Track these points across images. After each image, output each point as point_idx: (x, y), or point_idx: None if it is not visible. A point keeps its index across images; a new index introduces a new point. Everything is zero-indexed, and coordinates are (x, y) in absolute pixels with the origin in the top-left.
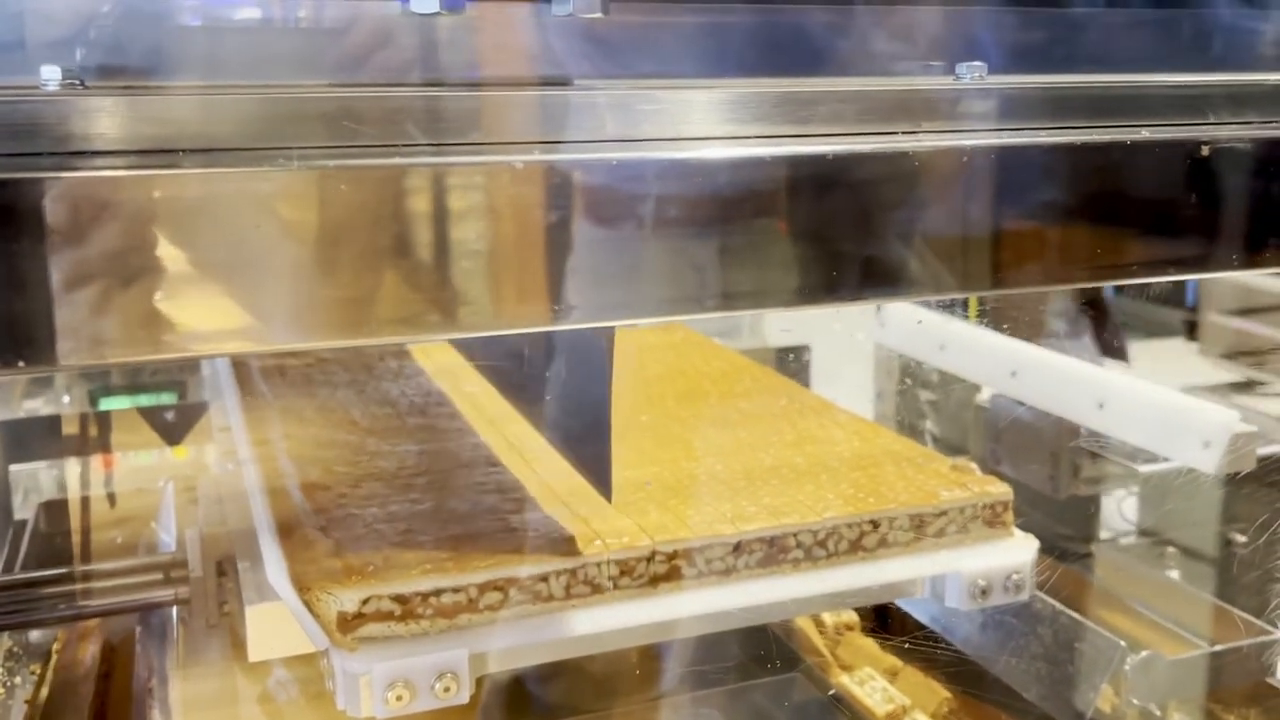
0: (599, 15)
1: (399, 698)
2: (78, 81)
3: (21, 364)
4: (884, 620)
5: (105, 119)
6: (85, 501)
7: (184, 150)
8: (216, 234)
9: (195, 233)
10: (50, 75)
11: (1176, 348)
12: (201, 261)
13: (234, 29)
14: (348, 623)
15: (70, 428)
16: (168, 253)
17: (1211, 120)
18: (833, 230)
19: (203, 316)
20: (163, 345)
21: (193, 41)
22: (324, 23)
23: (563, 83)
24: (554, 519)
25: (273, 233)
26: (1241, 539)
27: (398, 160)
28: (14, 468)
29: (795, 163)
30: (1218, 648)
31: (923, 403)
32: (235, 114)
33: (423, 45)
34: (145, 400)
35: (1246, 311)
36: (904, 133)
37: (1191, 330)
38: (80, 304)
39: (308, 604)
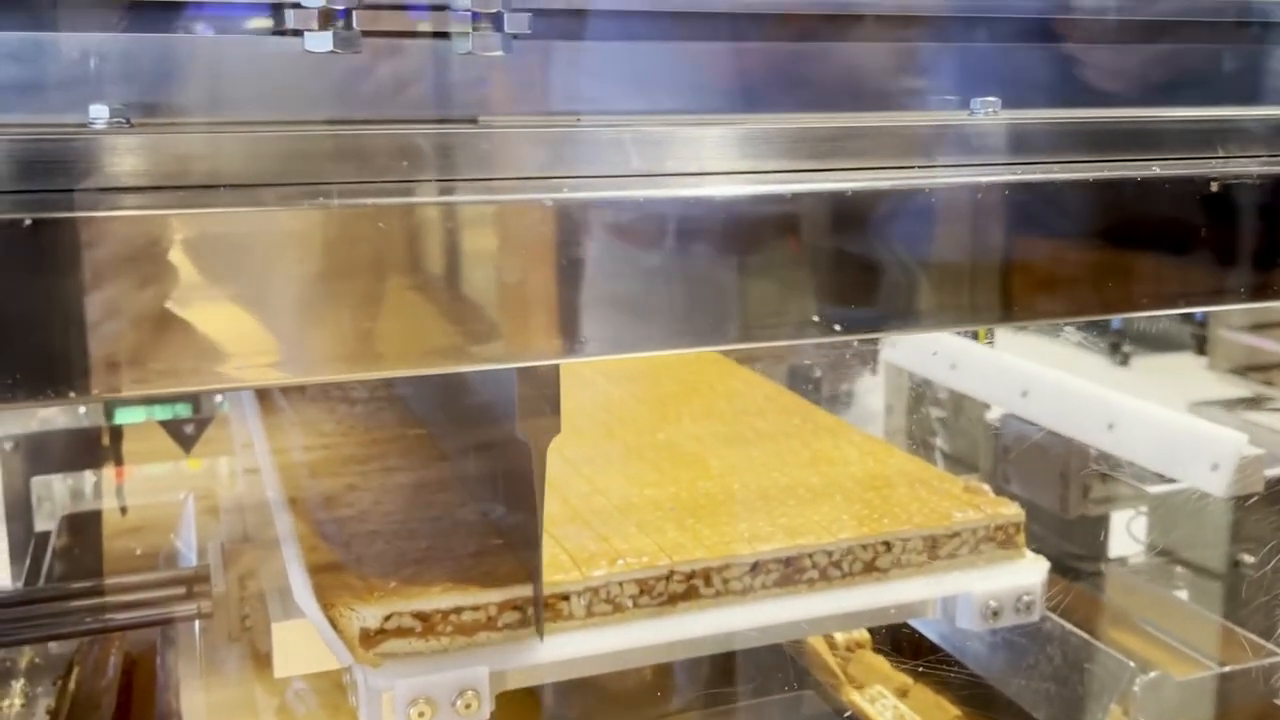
0: (499, 54)
1: (420, 714)
2: (124, 120)
3: (73, 394)
4: (895, 638)
5: (150, 156)
6: (104, 514)
7: (226, 186)
8: (261, 269)
9: (242, 268)
10: (98, 114)
11: (1186, 362)
12: (242, 296)
13: (277, 65)
14: (370, 639)
15: (86, 440)
16: (210, 286)
17: (1221, 154)
18: (846, 265)
19: (244, 350)
20: (203, 377)
21: (237, 79)
22: (366, 59)
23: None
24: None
25: (312, 269)
26: (1250, 560)
27: (426, 199)
28: (39, 479)
29: (811, 199)
30: (1227, 669)
31: (933, 420)
32: (279, 150)
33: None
34: (160, 413)
35: (1257, 327)
36: (919, 167)
37: (1201, 345)
38: (129, 336)
39: (331, 620)
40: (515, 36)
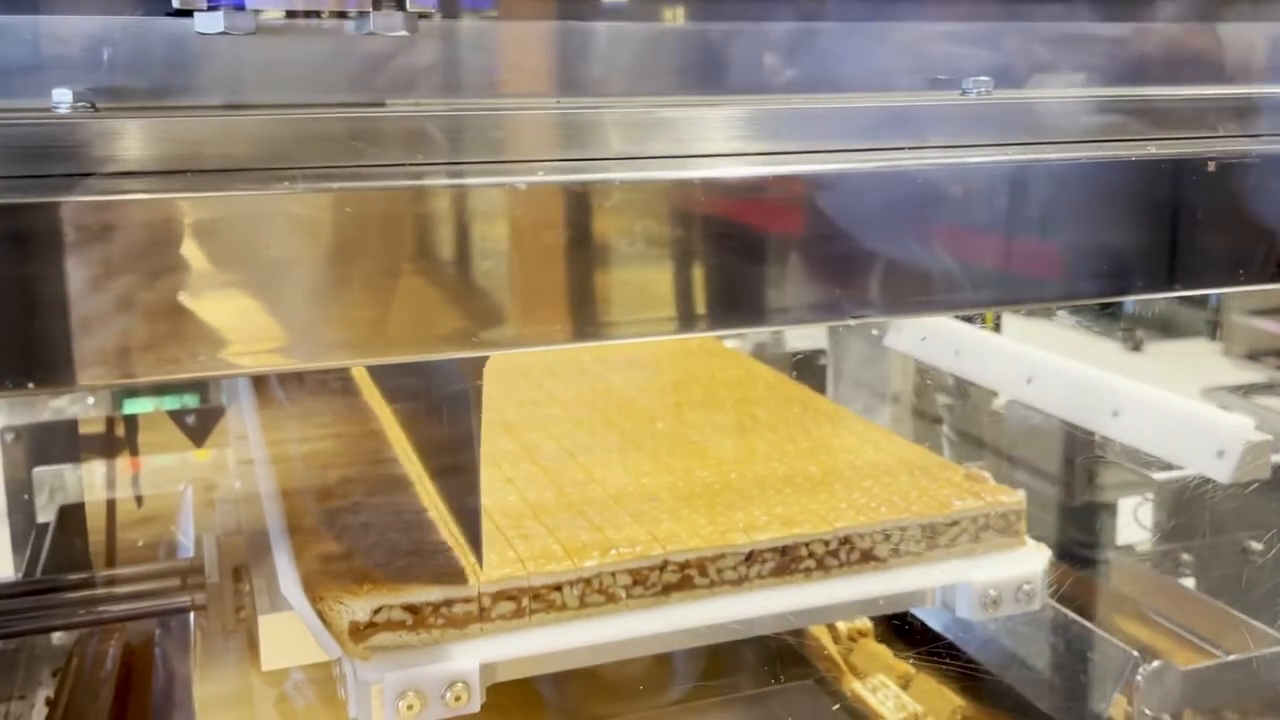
0: (404, 34)
1: (410, 707)
2: (88, 104)
3: (32, 385)
4: (897, 627)
5: (115, 141)
6: (106, 505)
7: (192, 171)
8: (225, 254)
9: (204, 253)
10: (61, 98)
11: (1200, 348)
12: (211, 281)
13: (243, 48)
14: (360, 632)
15: (93, 430)
16: (177, 272)
17: (1219, 134)
18: (839, 247)
19: (210, 335)
20: (171, 364)
21: (202, 62)
22: (332, 40)
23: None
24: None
25: (281, 253)
26: (1257, 547)
27: (408, 182)
28: (41, 469)
29: (801, 180)
30: (1232, 657)
31: (938, 407)
32: (243, 135)
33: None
34: (169, 403)
35: (1270, 311)
36: (910, 148)
37: (1214, 330)
38: (90, 323)
39: (320, 613)
40: (421, 16)
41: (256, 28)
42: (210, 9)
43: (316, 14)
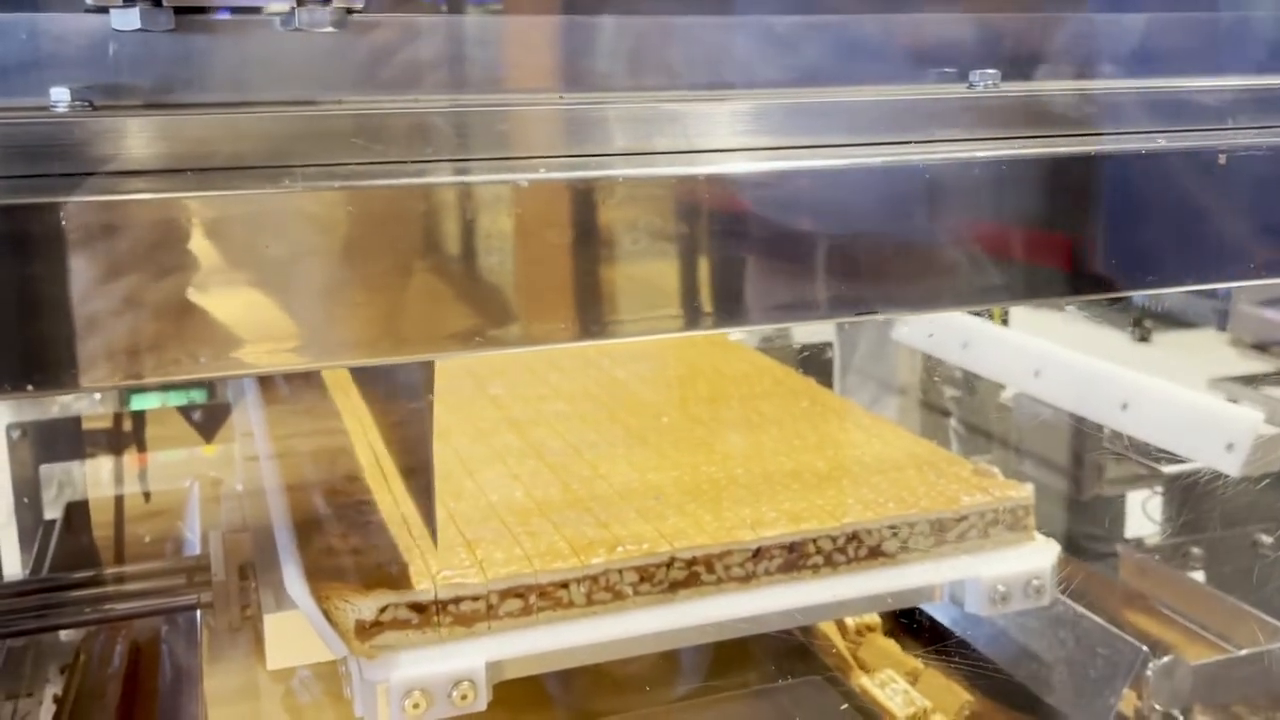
0: (330, 30)
1: (416, 705)
2: (86, 103)
3: (31, 387)
4: (906, 623)
5: (114, 139)
6: (113, 501)
7: (193, 170)
8: (226, 254)
9: (205, 252)
10: (59, 97)
11: (1208, 338)
12: (212, 281)
13: (242, 45)
14: (366, 631)
15: (100, 426)
16: (178, 272)
17: (1230, 126)
18: (846, 243)
19: (212, 335)
20: (172, 365)
21: (201, 60)
22: (333, 36)
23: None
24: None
25: (282, 252)
26: (1268, 541)
27: (411, 180)
28: (50, 465)
29: (808, 175)
30: (1242, 652)
31: (946, 400)
32: (244, 132)
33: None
34: (176, 399)
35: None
36: (916, 142)
37: (1223, 321)
38: (89, 324)
39: (326, 612)
40: (350, 11)
41: (175, 24)
42: (126, 6)
43: (253, 10)
